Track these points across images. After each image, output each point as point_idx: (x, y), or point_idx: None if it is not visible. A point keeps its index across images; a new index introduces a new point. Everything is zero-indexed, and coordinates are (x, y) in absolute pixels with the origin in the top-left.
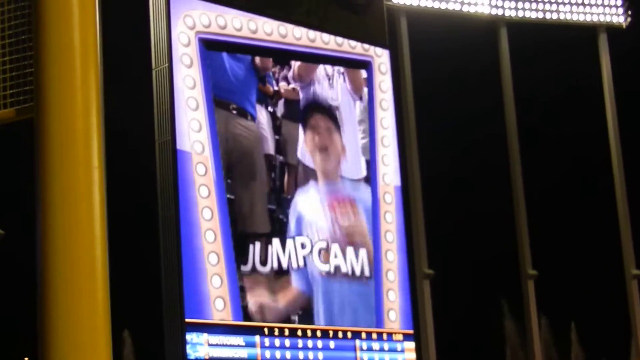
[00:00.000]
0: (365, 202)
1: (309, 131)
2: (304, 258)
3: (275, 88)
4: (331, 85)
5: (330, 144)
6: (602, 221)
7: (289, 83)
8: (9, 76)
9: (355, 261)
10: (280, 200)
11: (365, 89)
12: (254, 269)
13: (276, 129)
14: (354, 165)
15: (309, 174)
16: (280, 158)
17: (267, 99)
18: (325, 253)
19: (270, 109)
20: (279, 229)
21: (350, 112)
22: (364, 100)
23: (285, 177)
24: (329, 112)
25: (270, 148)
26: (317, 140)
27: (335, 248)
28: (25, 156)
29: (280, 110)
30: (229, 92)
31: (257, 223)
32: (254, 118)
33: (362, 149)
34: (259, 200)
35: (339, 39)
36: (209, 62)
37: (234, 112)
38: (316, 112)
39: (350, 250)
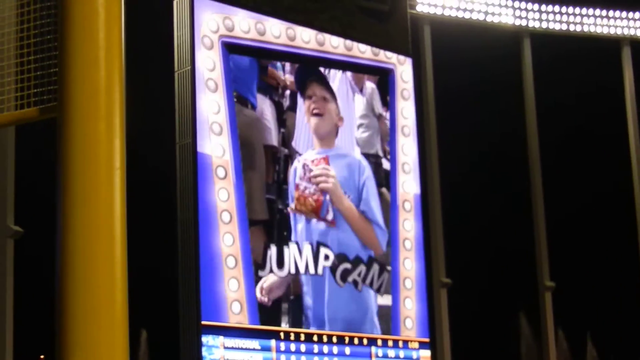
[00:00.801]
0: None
1: (306, 100)
2: (324, 268)
3: (283, 77)
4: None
5: (325, 111)
6: (620, 233)
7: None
8: (33, 75)
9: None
10: (281, 192)
11: (368, 84)
12: (271, 272)
13: (281, 121)
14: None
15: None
16: (285, 151)
17: (272, 89)
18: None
19: (275, 99)
20: (280, 220)
21: (348, 99)
22: (366, 94)
23: (290, 169)
24: (325, 82)
25: (274, 139)
26: (312, 107)
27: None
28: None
29: (286, 102)
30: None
31: (255, 210)
32: (254, 107)
33: (359, 141)
34: (257, 188)
35: (362, 46)
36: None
37: (235, 99)
38: (314, 82)
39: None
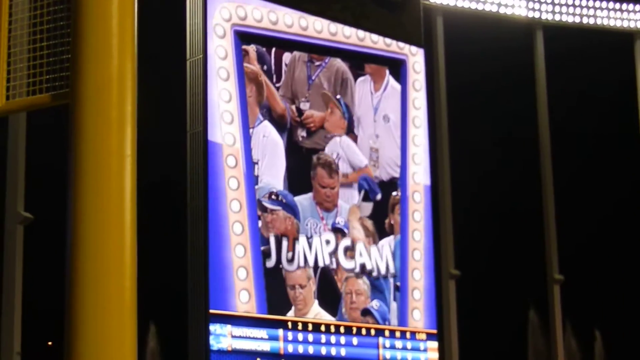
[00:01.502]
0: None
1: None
2: (330, 255)
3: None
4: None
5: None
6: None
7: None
8: (45, 61)
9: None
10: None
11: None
12: (278, 263)
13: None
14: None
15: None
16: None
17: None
18: (350, 252)
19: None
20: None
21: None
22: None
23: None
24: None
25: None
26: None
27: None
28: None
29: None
30: None
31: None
32: None
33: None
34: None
35: (374, 37)
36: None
37: None
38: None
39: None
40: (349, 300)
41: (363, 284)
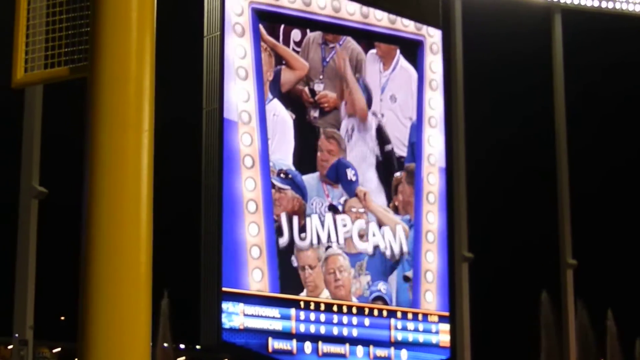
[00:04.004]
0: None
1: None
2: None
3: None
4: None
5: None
6: None
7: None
8: (64, 34)
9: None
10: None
11: (395, 61)
12: (291, 241)
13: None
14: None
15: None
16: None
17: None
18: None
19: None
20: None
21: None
22: (388, 72)
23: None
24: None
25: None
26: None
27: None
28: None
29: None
30: None
31: None
32: None
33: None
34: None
35: (392, 17)
36: None
37: None
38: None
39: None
40: (333, 280)
41: (343, 260)
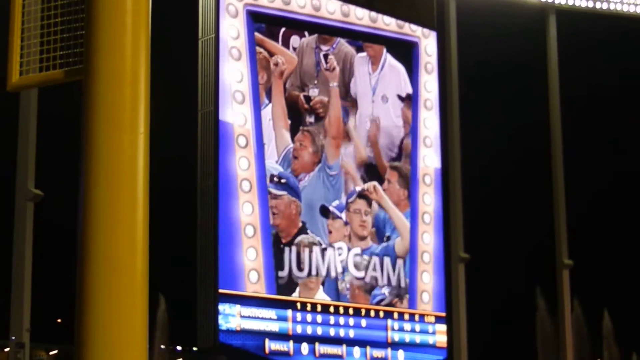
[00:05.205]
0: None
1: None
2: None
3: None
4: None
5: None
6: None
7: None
8: (59, 37)
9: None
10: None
11: (382, 60)
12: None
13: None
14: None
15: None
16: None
17: None
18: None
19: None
20: None
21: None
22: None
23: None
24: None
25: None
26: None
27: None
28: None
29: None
30: None
31: None
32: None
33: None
34: None
35: (387, 19)
36: None
37: None
38: None
39: None
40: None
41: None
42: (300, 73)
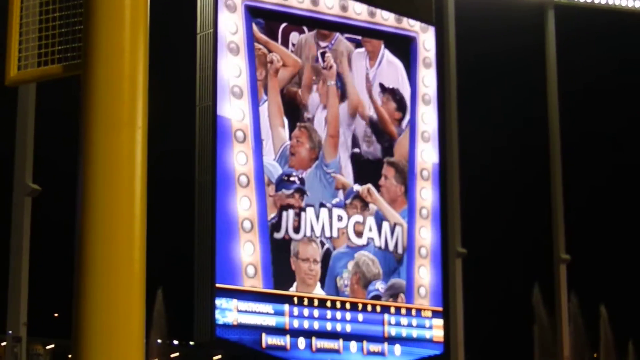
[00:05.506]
0: None
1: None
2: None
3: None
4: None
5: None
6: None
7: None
8: (57, 32)
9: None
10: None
11: (380, 56)
12: (286, 235)
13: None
14: None
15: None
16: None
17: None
18: (359, 225)
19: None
20: None
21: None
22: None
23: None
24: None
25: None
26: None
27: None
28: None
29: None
30: None
31: None
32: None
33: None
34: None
35: (386, 13)
36: None
37: None
38: None
39: None
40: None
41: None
42: (298, 71)
